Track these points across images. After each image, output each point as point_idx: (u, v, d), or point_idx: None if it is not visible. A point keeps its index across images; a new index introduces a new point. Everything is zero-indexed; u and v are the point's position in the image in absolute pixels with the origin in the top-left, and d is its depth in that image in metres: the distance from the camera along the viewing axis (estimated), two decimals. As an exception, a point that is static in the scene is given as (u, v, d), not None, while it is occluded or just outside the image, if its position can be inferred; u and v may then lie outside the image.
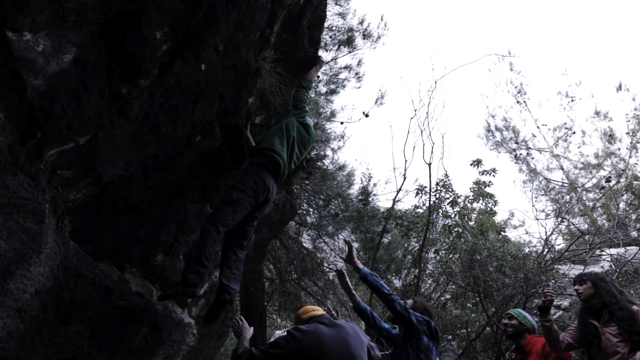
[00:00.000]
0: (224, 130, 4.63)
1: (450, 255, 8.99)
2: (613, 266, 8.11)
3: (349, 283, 4.60)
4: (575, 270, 7.47)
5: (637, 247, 8.81)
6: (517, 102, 17.94)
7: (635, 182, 13.19)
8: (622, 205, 12.19)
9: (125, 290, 3.85)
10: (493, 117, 18.19)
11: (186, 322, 4.92)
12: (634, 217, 12.18)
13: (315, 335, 3.08)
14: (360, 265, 4.29)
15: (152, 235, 4.21)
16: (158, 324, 4.28)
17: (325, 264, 10.35)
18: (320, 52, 6.34)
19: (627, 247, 9.18)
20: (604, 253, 9.19)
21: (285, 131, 4.62)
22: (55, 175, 2.96)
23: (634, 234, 10.76)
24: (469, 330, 8.30)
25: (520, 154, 17.25)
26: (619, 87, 16.24)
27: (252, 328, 3.84)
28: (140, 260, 4.20)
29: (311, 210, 9.94)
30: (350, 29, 8.91)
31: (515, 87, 18.08)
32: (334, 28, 8.85)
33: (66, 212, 3.21)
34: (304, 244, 10.12)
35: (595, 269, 7.87)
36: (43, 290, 2.84)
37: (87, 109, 2.86)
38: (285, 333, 3.17)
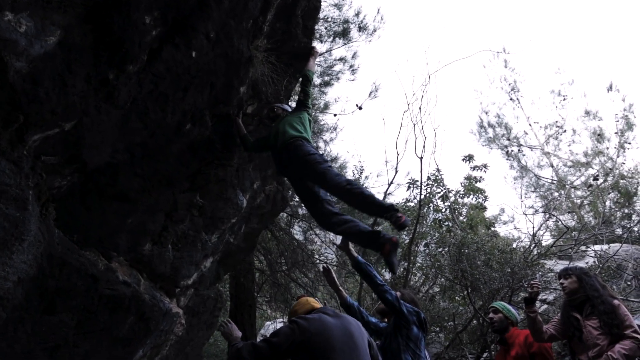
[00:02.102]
0: (215, 119, 4.57)
1: (440, 249, 9.01)
2: (597, 262, 8.19)
3: (336, 279, 4.61)
4: (561, 265, 7.57)
5: (620, 244, 8.90)
6: (511, 99, 18.10)
7: (621, 181, 13.34)
8: (608, 203, 12.36)
9: (111, 279, 3.79)
10: (486, 113, 18.36)
11: (174, 311, 4.88)
12: (619, 214, 12.31)
13: (320, 322, 3.09)
14: (355, 254, 4.28)
15: (140, 224, 4.15)
16: (145, 313, 4.23)
17: (316, 256, 10.34)
18: (315, 43, 6.29)
19: (611, 244, 9.27)
20: (589, 249, 9.27)
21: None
22: (39, 162, 2.90)
23: (619, 231, 10.87)
24: (455, 322, 8.38)
25: (512, 150, 17.42)
26: (610, 88, 16.53)
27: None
28: (128, 249, 4.14)
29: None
30: (346, 21, 8.86)
31: (509, 84, 18.22)
32: (329, 19, 8.79)
33: (51, 199, 3.15)
34: (295, 236, 10.10)
35: (580, 264, 7.95)
36: (26, 278, 2.79)
37: (72, 94, 2.79)
38: (289, 323, 3.14)
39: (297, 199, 9.72)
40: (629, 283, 8.50)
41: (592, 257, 8.80)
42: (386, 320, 4.54)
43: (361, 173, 10.76)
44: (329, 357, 2.94)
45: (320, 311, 3.27)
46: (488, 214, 11.70)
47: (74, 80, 2.77)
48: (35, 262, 2.85)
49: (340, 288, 4.60)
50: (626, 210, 12.64)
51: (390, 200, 10.80)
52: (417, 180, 10.14)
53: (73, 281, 3.34)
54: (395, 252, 4.04)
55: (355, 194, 4.18)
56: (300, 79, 5.29)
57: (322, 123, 9.76)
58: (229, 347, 3.32)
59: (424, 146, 8.50)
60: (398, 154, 10.67)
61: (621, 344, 3.89)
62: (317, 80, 9.42)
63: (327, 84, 9.67)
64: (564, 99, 16.98)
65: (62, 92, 2.72)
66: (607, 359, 3.84)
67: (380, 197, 9.51)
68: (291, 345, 2.98)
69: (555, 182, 16.17)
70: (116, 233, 3.95)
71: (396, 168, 10.00)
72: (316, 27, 6.58)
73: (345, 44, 8.99)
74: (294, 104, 5.62)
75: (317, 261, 10.11)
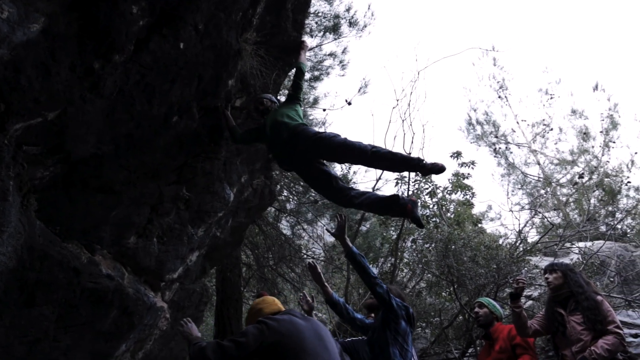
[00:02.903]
0: (203, 111, 4.52)
1: (427, 245, 9.03)
2: (581, 258, 8.28)
3: (322, 275, 4.58)
4: (546, 261, 7.63)
5: (604, 241, 9.00)
6: (499, 97, 18.17)
7: (606, 180, 13.48)
8: (593, 201, 12.48)
9: (94, 272, 3.74)
10: (475, 110, 18.42)
11: (159, 305, 4.83)
12: (603, 212, 12.44)
13: (291, 324, 3.00)
14: (349, 244, 4.26)
15: (125, 217, 4.10)
16: (129, 307, 4.18)
17: (304, 251, 10.32)
18: (305, 38, 6.25)
19: (595, 241, 9.37)
20: (573, 246, 9.37)
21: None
22: (20, 151, 2.83)
23: (603, 228, 10.99)
24: (442, 318, 8.42)
25: (500, 148, 17.50)
26: (596, 87, 16.68)
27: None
28: (112, 242, 4.09)
29: (291, 196, 9.88)
30: (337, 16, 8.80)
31: (498, 83, 18.28)
32: (320, 14, 8.73)
33: (32, 190, 3.09)
34: (283, 230, 10.07)
35: (565, 260, 8.02)
36: (5, 270, 2.73)
37: (56, 83, 2.73)
38: (257, 323, 3.01)
39: (286, 193, 9.70)
40: (612, 279, 8.61)
41: (577, 253, 8.88)
42: (372, 316, 4.54)
43: (349, 168, 10.73)
44: (301, 357, 2.84)
45: (288, 313, 3.16)
46: (475, 210, 11.76)
47: (58, 69, 2.72)
48: (15, 254, 2.79)
49: (326, 284, 4.58)
50: (610, 208, 12.79)
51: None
52: (405, 176, 10.12)
53: (54, 274, 3.29)
54: (417, 208, 4.11)
55: (383, 155, 4.16)
56: (294, 72, 5.24)
57: (311, 118, 9.71)
58: (189, 346, 3.12)
59: (412, 142, 8.43)
60: (387, 150, 10.64)
61: (604, 339, 3.95)
62: (307, 75, 9.37)
63: (316, 78, 9.62)
64: (551, 98, 17.12)
65: (45, 81, 2.67)
66: (591, 353, 3.89)
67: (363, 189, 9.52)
68: (260, 346, 2.86)
69: (541, 179, 16.30)
70: (100, 225, 3.90)
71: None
72: (306, 21, 6.53)
73: (335, 39, 8.94)
74: (282, 99, 5.58)
75: (305, 256, 10.08)
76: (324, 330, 3.13)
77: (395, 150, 4.31)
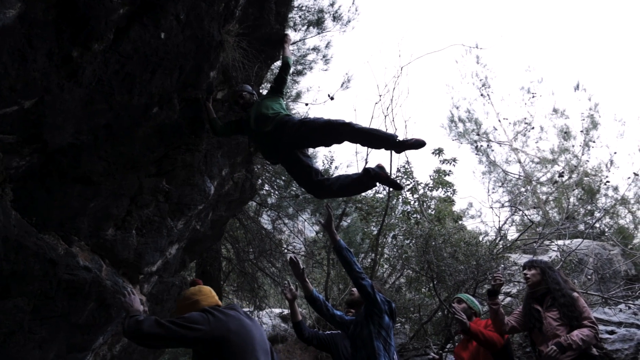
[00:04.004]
0: (184, 103, 4.48)
1: (407, 241, 9.07)
2: (559, 256, 8.39)
3: (304, 271, 4.57)
4: (525, 258, 7.71)
5: (582, 239, 9.14)
6: (482, 94, 18.25)
7: (585, 179, 13.64)
8: (572, 199, 12.61)
9: (71, 264, 3.69)
10: (457, 108, 18.51)
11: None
12: (582, 211, 12.60)
13: (239, 320, 2.86)
14: (337, 237, 4.26)
15: (103, 208, 4.04)
16: (106, 299, 4.13)
17: (284, 246, 10.30)
18: (289, 32, 6.22)
19: (573, 240, 9.50)
20: (552, 243, 9.48)
21: None
22: (-5, 140, 2.79)
23: (581, 227, 11.12)
24: (421, 313, 8.46)
25: (481, 145, 17.58)
26: (577, 87, 16.87)
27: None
28: (90, 233, 4.04)
29: (272, 191, 9.85)
30: (321, 10, 8.77)
31: (480, 80, 18.37)
32: (303, 8, 8.69)
33: (8, 179, 3.03)
34: (264, 225, 10.03)
35: (544, 258, 8.12)
36: (-21, 260, 2.68)
37: (33, 70, 2.68)
38: (202, 312, 2.83)
39: (267, 188, 9.67)
40: (589, 277, 8.74)
41: (555, 251, 9.00)
42: (352, 312, 4.55)
43: (331, 163, 10.71)
44: (249, 359, 2.73)
45: (233, 308, 2.97)
46: (456, 207, 11.83)
47: (35, 56, 2.66)
48: (-11, 244, 2.74)
49: (307, 280, 4.57)
50: (589, 207, 12.94)
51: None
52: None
53: (30, 265, 3.24)
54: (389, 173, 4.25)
55: (365, 130, 4.29)
56: (280, 65, 5.21)
57: (293, 112, 9.67)
58: (126, 318, 2.85)
59: (394, 138, 8.45)
60: (369, 145, 10.65)
61: (579, 330, 4.05)
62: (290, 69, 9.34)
63: (299, 73, 9.58)
64: (533, 97, 17.25)
65: (21, 68, 2.61)
66: (566, 339, 3.99)
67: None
68: (204, 335, 2.69)
69: (522, 177, 16.45)
70: (77, 217, 3.84)
71: (366, 159, 10.00)
72: (290, 15, 6.50)
73: (319, 33, 8.91)
74: (264, 92, 5.55)
75: (285, 251, 10.06)
76: (263, 332, 3.03)
77: (378, 128, 4.41)
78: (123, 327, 2.80)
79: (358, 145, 4.56)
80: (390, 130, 4.34)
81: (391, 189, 9.51)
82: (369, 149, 4.32)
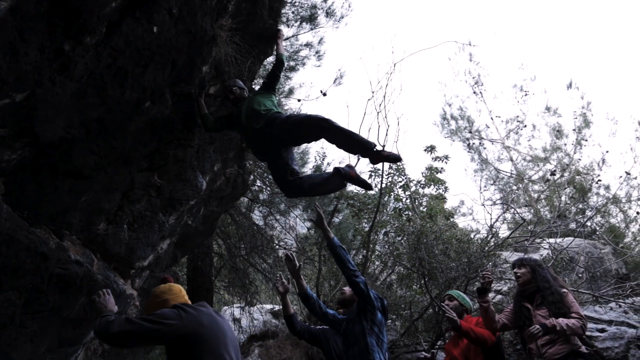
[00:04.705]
0: (176, 98, 4.47)
1: (399, 238, 9.09)
2: (551, 254, 8.43)
3: (299, 268, 4.57)
4: (516, 256, 7.74)
5: (574, 238, 9.18)
6: (474, 92, 18.26)
7: (577, 177, 13.68)
8: (563, 198, 12.63)
9: (63, 258, 3.68)
10: (450, 105, 18.55)
11: (128, 293, 4.79)
12: (573, 209, 12.65)
13: (211, 317, 2.87)
14: (331, 235, 4.25)
15: (95, 203, 4.04)
16: (98, 294, 4.13)
17: (276, 242, 10.30)
18: (282, 27, 6.22)
19: (565, 238, 9.55)
20: (544, 242, 9.52)
21: None
22: (-14, 133, 2.78)
23: (573, 225, 11.18)
24: (412, 310, 8.47)
25: (473, 143, 17.62)
26: (570, 85, 16.85)
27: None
28: (81, 228, 4.03)
29: (264, 186, 9.84)
30: (314, 6, 8.76)
31: (473, 78, 18.39)
32: (296, 3, 8.68)
33: (-1, 173, 3.03)
34: (255, 221, 10.03)
35: (535, 256, 8.17)
36: (-30, 253, 2.68)
37: (24, 63, 2.67)
38: (173, 308, 2.83)
39: (259, 183, 9.66)
40: (580, 275, 8.79)
41: (547, 249, 9.03)
42: (341, 310, 4.57)
43: (323, 159, 10.73)
44: (221, 355, 2.72)
45: (204, 306, 2.97)
46: (448, 205, 11.86)
47: (26, 49, 2.65)
48: (-20, 238, 2.74)
49: (301, 277, 4.57)
50: (580, 206, 12.97)
51: (351, 188, 10.83)
52: (378, 169, 10.17)
53: (21, 259, 3.23)
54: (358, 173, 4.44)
55: (344, 131, 4.30)
56: (274, 62, 5.20)
57: (286, 108, 9.67)
58: (97, 318, 2.81)
59: (386, 135, 8.44)
60: (361, 142, 10.66)
61: (566, 318, 4.08)
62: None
63: (292, 69, 9.58)
64: (526, 95, 17.26)
65: (13, 61, 2.60)
66: (551, 322, 4.03)
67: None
68: (177, 330, 2.69)
69: (514, 175, 16.50)
70: (69, 211, 3.83)
71: (358, 156, 9.98)
72: (283, 10, 6.50)
73: (312, 29, 8.90)
74: (257, 88, 5.55)
75: (277, 247, 10.07)
76: (234, 332, 3.06)
77: (357, 132, 4.42)
78: (94, 328, 2.79)
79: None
80: (370, 139, 4.35)
81: (383, 187, 9.56)
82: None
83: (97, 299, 3.05)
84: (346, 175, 4.38)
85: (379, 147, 4.22)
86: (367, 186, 4.49)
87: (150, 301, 3.06)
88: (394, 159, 4.22)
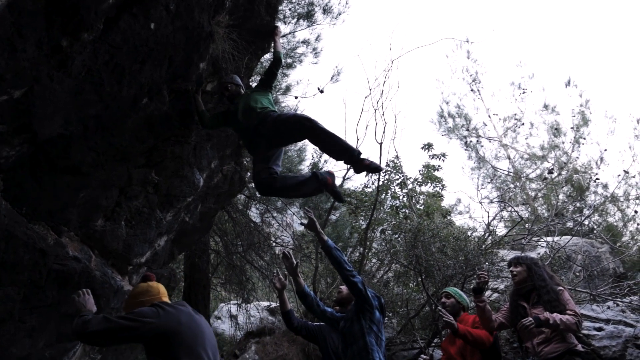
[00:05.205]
0: (173, 94, 4.48)
1: (396, 235, 9.10)
2: (548, 252, 8.45)
3: (297, 266, 4.58)
4: (513, 254, 7.74)
5: (571, 236, 9.21)
6: (472, 90, 18.30)
7: (575, 176, 13.70)
8: (561, 196, 12.65)
9: (61, 254, 3.70)
10: (447, 103, 18.58)
11: (126, 289, 4.79)
12: (571, 208, 12.67)
13: (190, 316, 2.91)
14: (325, 237, 4.25)
15: (92, 199, 4.05)
16: (96, 290, 4.13)
17: (273, 239, 10.32)
18: (279, 24, 6.23)
19: (562, 236, 9.57)
20: (541, 240, 9.54)
21: None
22: (-16, 129, 2.79)
23: (570, 224, 11.20)
24: (408, 308, 8.48)
25: (471, 141, 17.63)
26: (568, 83, 16.86)
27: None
28: (79, 224, 4.04)
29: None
30: (311, 3, 8.79)
31: (471, 76, 18.42)
32: (294, 0, 8.70)
33: (-2, 169, 3.04)
34: (252, 218, 10.04)
35: (532, 254, 8.18)
36: (-31, 249, 2.69)
37: (22, 60, 2.68)
38: (152, 306, 2.87)
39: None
40: (577, 274, 8.81)
41: (544, 247, 9.04)
42: (337, 309, 4.58)
43: (320, 157, 10.75)
44: (199, 354, 2.75)
45: (183, 305, 3.00)
46: (445, 202, 11.88)
47: (24, 45, 2.66)
48: (-21, 233, 2.75)
49: (299, 275, 4.59)
50: (578, 204, 12.99)
51: (348, 185, 10.87)
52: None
53: (20, 255, 3.25)
54: (335, 181, 4.49)
55: (330, 136, 4.27)
56: (272, 60, 5.21)
57: (283, 105, 9.70)
58: (75, 318, 2.84)
59: (384, 132, 8.54)
60: (358, 139, 10.66)
61: (561, 314, 4.08)
62: (280, 63, 9.34)
63: (289, 66, 9.61)
64: (524, 92, 17.29)
65: (11, 57, 2.61)
66: (544, 315, 4.05)
67: (339, 182, 9.56)
68: (155, 328, 2.71)
69: (511, 173, 16.52)
70: (67, 207, 3.85)
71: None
72: (280, 7, 6.51)
73: (309, 26, 8.94)
74: (254, 85, 5.55)
75: (274, 244, 10.08)
76: (212, 331, 3.06)
77: (343, 138, 4.38)
78: (72, 327, 2.79)
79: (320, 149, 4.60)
80: (355, 146, 4.34)
81: (380, 185, 9.57)
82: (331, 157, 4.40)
83: (77, 298, 3.08)
84: (323, 181, 4.39)
85: (363, 156, 4.20)
86: (339, 199, 4.58)
87: (129, 301, 3.11)
88: (375, 168, 4.21)
